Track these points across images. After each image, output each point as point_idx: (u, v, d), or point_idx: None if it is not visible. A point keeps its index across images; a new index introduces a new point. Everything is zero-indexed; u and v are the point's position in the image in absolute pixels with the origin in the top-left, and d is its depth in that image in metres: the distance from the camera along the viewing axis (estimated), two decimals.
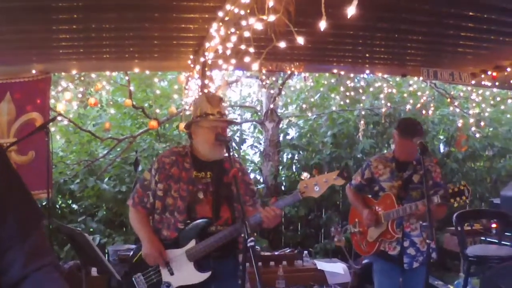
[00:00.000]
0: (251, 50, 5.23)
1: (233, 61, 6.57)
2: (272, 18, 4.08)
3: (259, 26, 4.50)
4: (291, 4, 3.94)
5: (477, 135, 12.13)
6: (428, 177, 5.16)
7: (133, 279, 4.43)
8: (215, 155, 4.33)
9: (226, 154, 4.17)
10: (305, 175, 4.25)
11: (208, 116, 4.35)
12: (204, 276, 4.25)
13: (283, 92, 12.39)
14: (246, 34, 4.99)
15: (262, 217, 4.14)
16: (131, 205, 4.56)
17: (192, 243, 4.27)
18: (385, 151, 11.80)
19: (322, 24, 3.40)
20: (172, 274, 4.31)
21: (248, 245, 3.51)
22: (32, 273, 1.81)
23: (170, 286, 4.31)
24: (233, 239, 4.26)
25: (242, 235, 3.62)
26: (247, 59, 5.57)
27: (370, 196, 5.81)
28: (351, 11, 3.05)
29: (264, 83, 11.45)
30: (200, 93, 7.37)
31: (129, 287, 4.45)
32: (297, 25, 4.07)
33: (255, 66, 6.31)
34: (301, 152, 12.62)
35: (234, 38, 5.61)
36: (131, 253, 4.68)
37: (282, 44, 4.53)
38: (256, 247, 4.66)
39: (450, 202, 5.02)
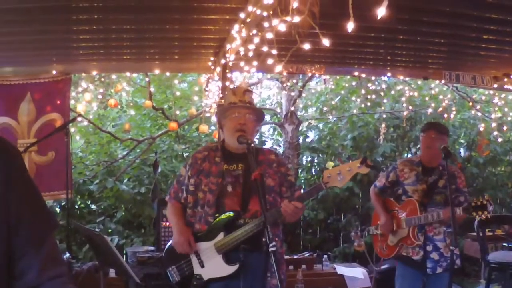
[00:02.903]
0: (274, 52, 5.20)
1: (255, 63, 6.53)
2: (297, 19, 4.03)
3: (282, 27, 4.47)
4: (316, 6, 3.89)
5: (499, 140, 11.96)
6: (452, 182, 5.13)
7: (167, 271, 4.53)
8: (242, 148, 4.30)
9: (262, 148, 4.17)
10: (330, 164, 4.21)
11: (229, 105, 4.44)
12: (232, 268, 4.28)
13: (303, 95, 12.33)
14: (269, 35, 4.96)
15: (282, 211, 4.13)
16: (167, 199, 4.75)
17: (220, 236, 4.32)
18: (405, 155, 11.79)
19: (350, 25, 3.35)
20: (202, 266, 4.39)
21: (270, 250, 3.48)
22: (47, 282, 1.85)
23: (201, 279, 4.38)
24: (261, 232, 4.20)
25: (264, 239, 3.59)
26: (270, 61, 5.54)
27: (392, 199, 5.78)
28: (381, 12, 2.99)
29: (284, 85, 11.40)
30: (221, 95, 7.38)
31: (164, 278, 4.57)
32: (320, 27, 4.02)
33: (279, 68, 6.26)
34: (320, 155, 12.54)
35: (256, 40, 5.58)
36: (167, 246, 4.72)
37: (306, 46, 4.48)
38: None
39: (471, 215, 5.02)
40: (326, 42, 4.03)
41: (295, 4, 4.03)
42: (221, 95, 7.38)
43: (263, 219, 3.91)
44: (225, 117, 4.48)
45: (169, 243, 4.71)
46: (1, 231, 1.80)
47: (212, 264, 4.35)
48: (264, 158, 4.51)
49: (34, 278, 1.84)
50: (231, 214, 4.33)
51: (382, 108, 12.21)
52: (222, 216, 4.34)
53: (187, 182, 4.53)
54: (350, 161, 4.08)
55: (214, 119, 8.97)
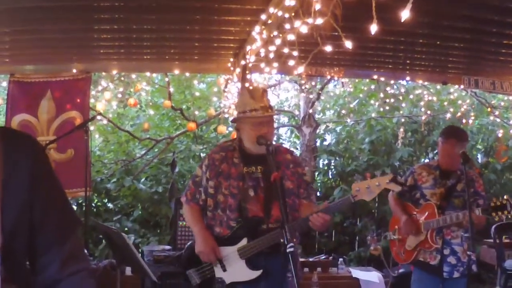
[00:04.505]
0: (295, 53, 5.20)
1: (275, 64, 6.52)
2: (319, 21, 4.04)
3: (304, 29, 4.47)
4: (338, 8, 3.90)
5: None
6: (471, 186, 5.11)
7: (187, 273, 4.50)
8: (261, 150, 4.24)
9: (278, 148, 4.17)
10: (357, 177, 4.16)
11: (251, 112, 4.33)
12: (256, 274, 4.28)
13: (321, 97, 12.33)
14: (290, 37, 4.95)
15: (310, 224, 4.10)
16: (184, 201, 4.65)
17: (244, 242, 4.31)
18: (423, 160, 11.73)
19: (373, 28, 3.35)
20: (224, 270, 4.36)
21: (288, 250, 3.49)
22: (68, 277, 1.92)
23: (223, 282, 4.34)
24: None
25: (282, 240, 3.60)
26: (291, 62, 5.54)
27: (410, 203, 5.76)
28: (405, 14, 3.00)
29: (303, 87, 11.40)
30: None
31: (184, 281, 4.55)
32: (341, 29, 4.02)
33: (300, 69, 6.25)
34: (337, 158, 12.53)
35: (278, 41, 5.56)
36: (185, 248, 4.73)
37: (328, 48, 4.48)
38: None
39: (491, 215, 4.98)
40: (348, 44, 4.03)
41: (317, 6, 4.03)
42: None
43: (288, 226, 3.89)
44: (244, 121, 4.41)
45: (188, 245, 4.71)
46: (24, 227, 1.86)
47: (234, 268, 4.33)
48: (281, 159, 4.45)
49: (54, 273, 1.90)
50: (256, 220, 4.33)
51: (401, 112, 12.20)
52: (246, 222, 4.34)
53: (206, 184, 4.46)
54: (379, 176, 4.07)
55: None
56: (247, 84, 7.31)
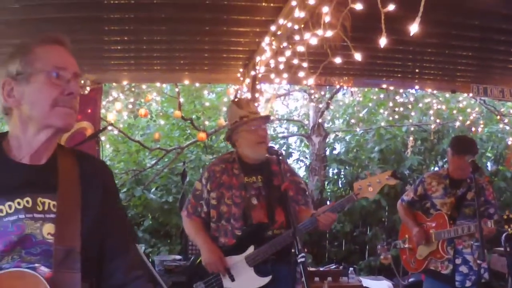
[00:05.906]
0: (305, 64, 5.22)
1: (285, 75, 6.54)
2: (329, 33, 4.07)
3: (314, 41, 4.49)
4: (348, 19, 3.93)
5: None
6: (481, 194, 5.12)
7: (194, 286, 4.46)
8: (260, 155, 4.33)
9: (273, 157, 4.21)
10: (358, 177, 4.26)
11: (241, 119, 4.41)
12: (265, 280, 4.27)
13: (330, 107, 12.34)
14: (300, 48, 4.98)
15: (319, 224, 4.15)
16: (185, 216, 4.63)
17: (251, 249, 4.30)
18: (432, 168, 11.71)
19: (382, 41, 3.37)
20: (233, 280, 4.33)
21: (299, 261, 3.50)
22: (132, 282, 2.21)
23: None
24: (289, 243, 4.24)
25: (293, 250, 3.62)
26: (301, 73, 5.56)
27: (420, 212, 5.76)
28: (413, 28, 3.02)
29: (313, 97, 11.43)
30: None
31: None
32: (350, 40, 4.05)
33: (311, 81, 6.28)
34: (347, 167, 12.53)
35: (288, 53, 5.59)
36: (190, 261, 4.73)
37: (338, 60, 4.51)
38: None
39: (504, 228, 4.99)
40: (358, 56, 4.05)
41: (327, 18, 4.06)
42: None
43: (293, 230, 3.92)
44: (239, 132, 4.46)
45: (192, 258, 4.72)
46: (97, 236, 2.14)
47: (243, 277, 4.32)
48: (279, 172, 4.49)
49: (121, 278, 2.19)
50: (261, 226, 4.35)
51: (410, 120, 12.21)
52: (251, 229, 4.35)
53: (207, 196, 4.48)
54: (379, 174, 4.14)
55: None
56: (256, 95, 7.34)
